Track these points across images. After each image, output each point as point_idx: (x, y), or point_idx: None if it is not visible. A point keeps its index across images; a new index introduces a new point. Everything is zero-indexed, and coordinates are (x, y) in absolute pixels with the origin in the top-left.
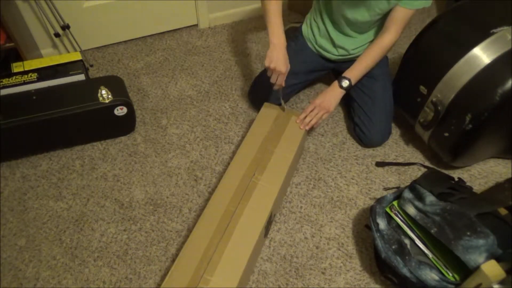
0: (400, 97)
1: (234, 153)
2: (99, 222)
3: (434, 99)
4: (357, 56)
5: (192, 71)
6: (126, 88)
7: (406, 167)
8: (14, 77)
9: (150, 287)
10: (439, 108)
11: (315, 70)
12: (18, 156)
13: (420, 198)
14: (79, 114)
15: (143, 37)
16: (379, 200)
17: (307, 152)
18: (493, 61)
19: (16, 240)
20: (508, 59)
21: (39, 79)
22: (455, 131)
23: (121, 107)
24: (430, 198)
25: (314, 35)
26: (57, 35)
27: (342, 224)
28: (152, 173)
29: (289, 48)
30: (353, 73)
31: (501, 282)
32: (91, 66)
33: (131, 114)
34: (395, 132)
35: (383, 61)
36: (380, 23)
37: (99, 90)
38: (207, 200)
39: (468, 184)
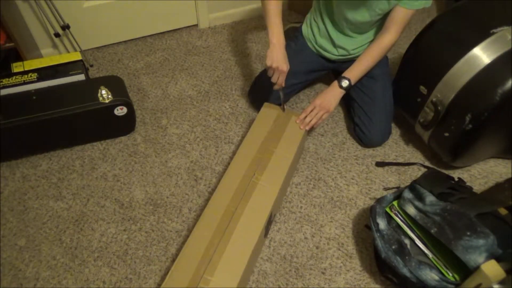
0: (400, 97)
1: (234, 153)
2: (99, 222)
3: (434, 99)
4: (357, 56)
5: (192, 71)
6: (126, 88)
7: (406, 167)
8: (14, 77)
9: (150, 287)
10: (439, 108)
11: (315, 70)
12: (18, 156)
13: (420, 198)
14: (79, 114)
15: (143, 37)
16: (379, 200)
17: (307, 152)
18: (493, 61)
19: (16, 240)
20: (508, 59)
21: (39, 79)
22: (455, 131)
23: (121, 107)
24: (430, 198)
25: (314, 35)
26: (57, 35)
27: (342, 224)
28: (152, 173)
29: (289, 48)
30: (353, 73)
31: (501, 282)
32: (91, 66)
33: (131, 114)
34: (395, 132)
35: (383, 61)
36: (381, 23)
37: (99, 90)
38: (207, 200)
39: (468, 184)
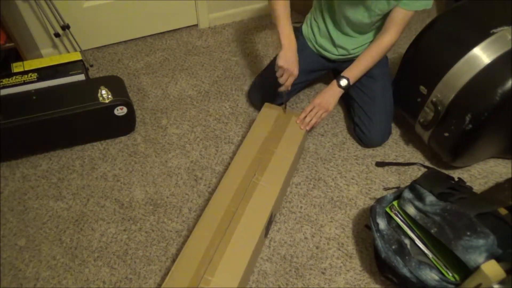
0: (400, 97)
1: (234, 153)
2: (99, 222)
3: (434, 99)
4: (357, 56)
5: (192, 71)
6: (126, 88)
7: (406, 167)
8: (14, 77)
9: (150, 287)
10: (439, 108)
11: (315, 70)
12: (18, 156)
13: (420, 198)
14: (79, 114)
15: (143, 37)
16: (379, 200)
17: (307, 152)
18: (493, 61)
19: (16, 240)
20: (508, 59)
21: (39, 79)
22: (455, 131)
23: (121, 107)
24: (430, 198)
25: (314, 35)
26: (57, 35)
27: (342, 224)
28: (152, 173)
29: None
30: (352, 73)
31: (501, 282)
32: (91, 66)
33: (131, 114)
34: (395, 132)
35: (383, 61)
36: (381, 24)
37: (99, 90)
38: (207, 200)
39: (468, 184)
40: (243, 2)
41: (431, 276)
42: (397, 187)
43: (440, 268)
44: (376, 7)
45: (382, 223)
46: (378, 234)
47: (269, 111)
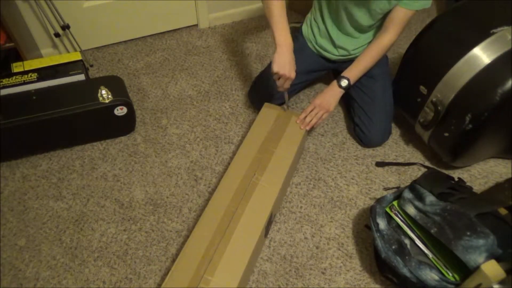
0: (400, 97)
1: (234, 153)
2: (99, 222)
3: (434, 99)
4: (358, 57)
5: (192, 71)
6: (126, 88)
7: (406, 167)
8: (14, 77)
9: (150, 287)
10: (439, 108)
11: (315, 70)
12: (18, 156)
13: (420, 198)
14: (79, 114)
15: (143, 37)
16: (379, 200)
17: (307, 152)
18: (493, 61)
19: (16, 240)
20: (508, 59)
21: (39, 79)
22: (455, 131)
23: (121, 107)
24: (430, 198)
25: (314, 35)
26: (57, 35)
27: (342, 224)
28: (152, 173)
29: None
30: (352, 73)
31: (501, 282)
32: (91, 66)
33: (131, 114)
34: (395, 132)
35: (383, 61)
36: (381, 24)
37: (99, 90)
38: (207, 200)
39: (468, 184)
40: (243, 2)
41: (431, 276)
42: (397, 187)
43: (440, 268)
44: (377, 6)
45: (382, 223)
46: (378, 234)
47: (269, 111)
